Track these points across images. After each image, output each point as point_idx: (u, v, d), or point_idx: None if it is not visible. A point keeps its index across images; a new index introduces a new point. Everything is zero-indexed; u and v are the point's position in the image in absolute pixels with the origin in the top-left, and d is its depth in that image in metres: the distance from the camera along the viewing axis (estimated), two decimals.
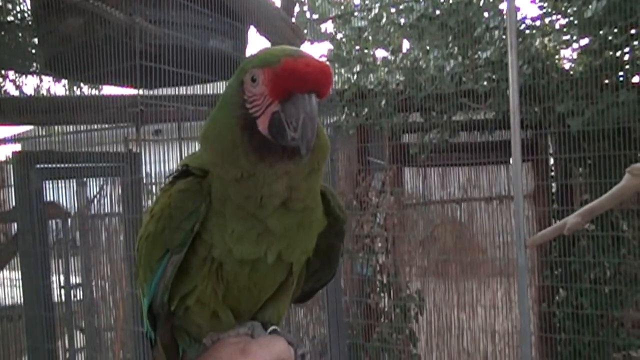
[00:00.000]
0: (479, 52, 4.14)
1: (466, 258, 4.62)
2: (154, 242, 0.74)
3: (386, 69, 4.46)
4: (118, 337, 3.16)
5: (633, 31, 3.68)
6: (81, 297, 4.15)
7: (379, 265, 4.15)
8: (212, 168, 0.71)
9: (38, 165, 2.58)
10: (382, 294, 4.15)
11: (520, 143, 2.36)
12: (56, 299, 3.96)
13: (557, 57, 4.75)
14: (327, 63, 0.66)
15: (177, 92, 3.10)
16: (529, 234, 4.87)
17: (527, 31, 4.22)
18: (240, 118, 0.64)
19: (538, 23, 4.53)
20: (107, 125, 4.03)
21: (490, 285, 4.70)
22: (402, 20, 4.68)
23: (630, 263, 4.26)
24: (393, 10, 5.13)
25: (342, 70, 4.52)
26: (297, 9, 4.90)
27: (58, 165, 2.76)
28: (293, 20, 4.15)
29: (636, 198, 3.98)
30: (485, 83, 4.14)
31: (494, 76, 4.09)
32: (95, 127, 3.91)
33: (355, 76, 4.44)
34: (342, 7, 5.63)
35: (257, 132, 0.64)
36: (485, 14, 4.68)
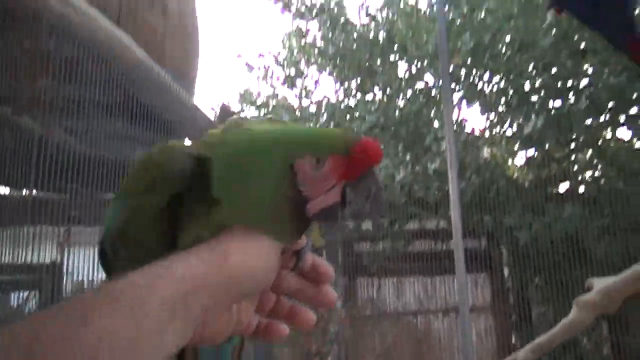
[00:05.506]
0: (429, 163, 4.15)
1: None
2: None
3: None
4: None
5: (573, 145, 3.77)
6: None
7: None
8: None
9: None
10: None
11: (463, 254, 2.25)
12: None
13: (506, 165, 4.83)
14: None
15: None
16: (491, 345, 4.63)
17: (473, 141, 4.28)
18: (291, 197, 0.64)
19: (487, 134, 4.65)
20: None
21: None
22: (355, 129, 4.72)
23: None
24: (348, 119, 5.22)
25: None
26: None
27: None
28: None
29: None
30: (436, 192, 4.11)
31: (446, 187, 4.06)
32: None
33: None
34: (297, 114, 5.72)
35: (302, 212, 0.64)
36: (436, 124, 4.79)
